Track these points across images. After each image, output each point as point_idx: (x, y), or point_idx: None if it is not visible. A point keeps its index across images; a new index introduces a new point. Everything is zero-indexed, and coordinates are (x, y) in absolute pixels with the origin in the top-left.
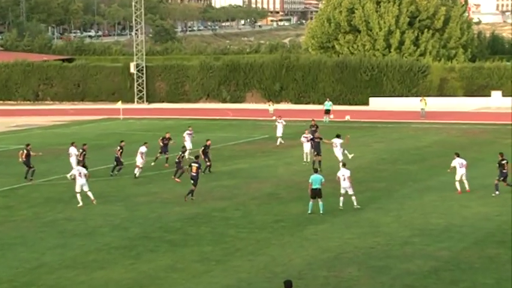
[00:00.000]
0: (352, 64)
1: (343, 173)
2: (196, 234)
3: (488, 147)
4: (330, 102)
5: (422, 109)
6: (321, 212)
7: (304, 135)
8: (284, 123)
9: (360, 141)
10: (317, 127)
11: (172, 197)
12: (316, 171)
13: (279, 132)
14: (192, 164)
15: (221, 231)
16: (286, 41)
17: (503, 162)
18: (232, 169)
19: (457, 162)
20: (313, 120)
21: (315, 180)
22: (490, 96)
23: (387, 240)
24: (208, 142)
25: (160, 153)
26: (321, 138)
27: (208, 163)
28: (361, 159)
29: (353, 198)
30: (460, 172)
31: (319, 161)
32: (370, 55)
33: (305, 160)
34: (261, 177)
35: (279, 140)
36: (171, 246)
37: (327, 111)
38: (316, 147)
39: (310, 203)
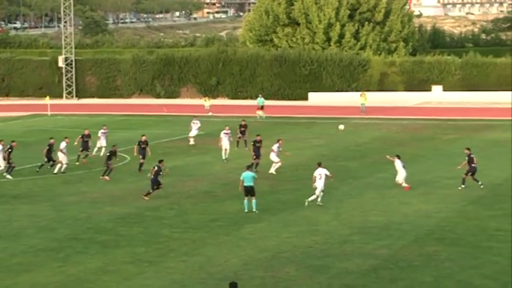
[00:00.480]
0: (291, 58)
1: (320, 172)
2: (128, 234)
3: (428, 143)
4: (263, 99)
5: (362, 104)
6: (254, 210)
7: (225, 131)
8: (199, 125)
9: (299, 138)
10: (246, 127)
11: (102, 196)
12: (248, 167)
13: (192, 132)
14: (155, 166)
15: (154, 231)
16: (223, 34)
17: (472, 156)
18: (166, 167)
19: (400, 163)
20: (243, 120)
21: (247, 177)
22: (430, 90)
23: (326, 239)
24: (143, 138)
25: (82, 151)
26: (261, 141)
27: (141, 160)
28: (300, 156)
29: (321, 194)
30: (403, 173)
31: (257, 164)
32: (310, 49)
33: (224, 158)
34: (197, 175)
35: (191, 140)
36: (102, 248)
37: (260, 107)
38: (255, 150)
39: (245, 201)
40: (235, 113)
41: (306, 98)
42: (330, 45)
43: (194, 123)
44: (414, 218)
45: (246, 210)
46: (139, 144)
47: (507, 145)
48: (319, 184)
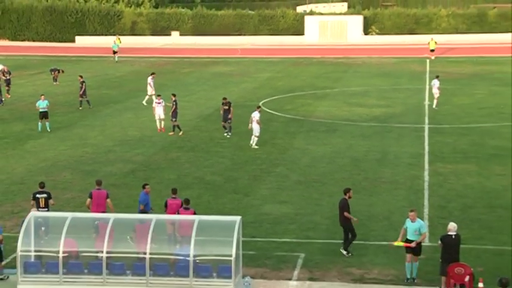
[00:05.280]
0: (60, 9)
1: (254, 115)
2: None
3: (170, 75)
4: (117, 44)
5: (117, 45)
6: (48, 129)
7: None
8: None
9: (70, 72)
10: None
11: None
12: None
13: None
14: None
15: None
16: None
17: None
18: None
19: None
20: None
21: (42, 104)
22: (170, 35)
23: (94, 150)
24: None
25: None
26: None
27: None
28: (70, 86)
29: (256, 139)
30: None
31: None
32: (74, 1)
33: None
34: None
35: None
36: None
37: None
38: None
39: (39, 123)
40: (17, 52)
41: (73, 41)
42: None
43: None
44: (163, 132)
45: (39, 130)
46: None
47: (227, 76)
48: (255, 127)
